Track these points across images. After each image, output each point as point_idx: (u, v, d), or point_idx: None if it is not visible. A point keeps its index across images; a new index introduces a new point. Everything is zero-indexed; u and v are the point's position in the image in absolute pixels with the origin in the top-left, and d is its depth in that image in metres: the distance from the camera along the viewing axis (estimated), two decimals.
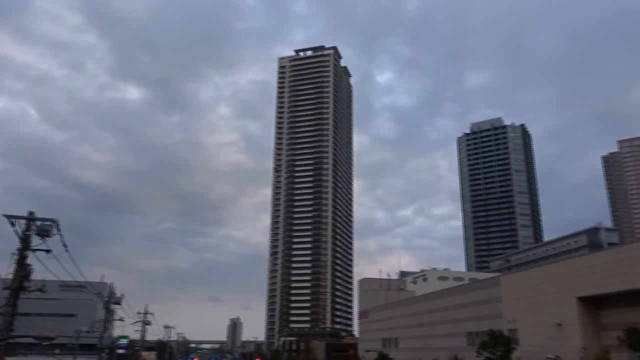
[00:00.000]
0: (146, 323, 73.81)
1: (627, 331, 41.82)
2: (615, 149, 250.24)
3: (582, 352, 49.01)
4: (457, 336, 77.12)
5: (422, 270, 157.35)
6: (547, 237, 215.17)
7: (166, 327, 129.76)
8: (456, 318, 78.96)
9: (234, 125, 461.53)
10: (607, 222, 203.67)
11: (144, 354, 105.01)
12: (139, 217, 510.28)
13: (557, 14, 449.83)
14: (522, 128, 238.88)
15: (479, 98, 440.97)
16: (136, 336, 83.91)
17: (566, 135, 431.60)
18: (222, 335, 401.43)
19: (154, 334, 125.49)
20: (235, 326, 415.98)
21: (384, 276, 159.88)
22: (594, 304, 54.20)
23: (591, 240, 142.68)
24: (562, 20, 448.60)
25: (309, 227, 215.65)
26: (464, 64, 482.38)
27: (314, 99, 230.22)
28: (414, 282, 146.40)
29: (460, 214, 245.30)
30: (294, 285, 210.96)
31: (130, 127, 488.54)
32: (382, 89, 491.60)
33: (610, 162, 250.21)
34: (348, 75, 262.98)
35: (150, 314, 75.07)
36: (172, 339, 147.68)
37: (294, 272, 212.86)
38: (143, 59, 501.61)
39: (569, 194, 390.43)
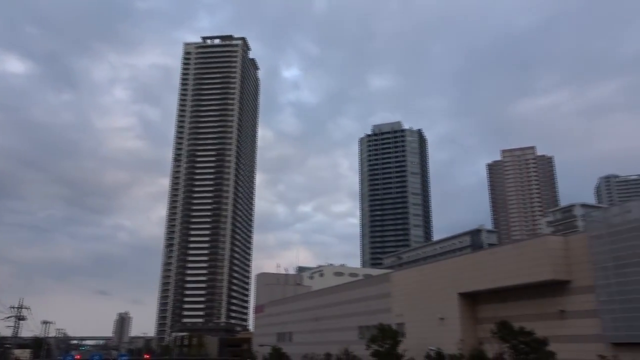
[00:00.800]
0: (20, 318, 67.81)
1: (498, 324, 45.66)
2: (498, 157, 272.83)
3: (460, 343, 52.80)
4: (349, 330, 79.57)
5: (320, 266, 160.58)
6: (436, 236, 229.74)
7: (44, 322, 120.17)
8: (349, 312, 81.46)
9: (131, 110, 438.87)
10: (488, 225, 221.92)
11: (17, 352, 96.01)
12: (17, 202, 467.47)
13: (455, 30, 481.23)
14: (419, 133, 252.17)
15: (380, 101, 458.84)
16: (8, 333, 76.67)
17: (457, 143, 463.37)
18: (108, 331, 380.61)
19: (29, 330, 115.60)
20: (123, 321, 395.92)
21: (282, 271, 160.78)
22: (472, 300, 58.61)
23: (474, 240, 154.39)
24: (459, 36, 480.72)
25: (208, 219, 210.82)
26: (368, 66, 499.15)
27: (220, 89, 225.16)
28: (311, 278, 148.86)
29: (358, 212, 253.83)
30: (189, 279, 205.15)
31: (11, 103, 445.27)
32: (288, 85, 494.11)
33: (493, 170, 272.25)
34: (256, 68, 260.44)
35: (26, 308, 69.12)
36: (50, 335, 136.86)
37: (190, 265, 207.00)
38: (30, 30, 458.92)
39: (457, 197, 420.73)
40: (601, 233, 45.01)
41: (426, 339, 57.60)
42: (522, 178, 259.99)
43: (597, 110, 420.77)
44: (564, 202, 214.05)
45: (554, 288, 48.11)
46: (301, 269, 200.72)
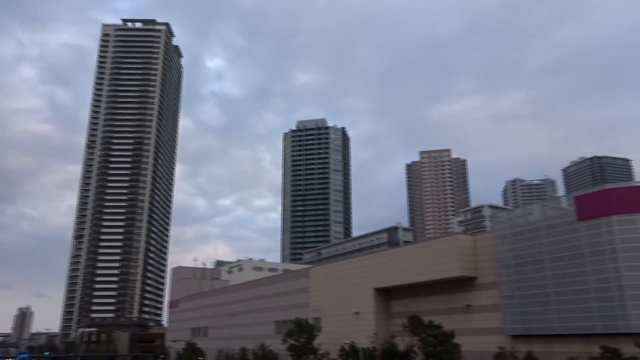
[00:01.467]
0: None
1: (409, 318, 47.59)
2: (417, 158, 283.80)
3: (373, 337, 54.43)
4: (266, 325, 79.47)
5: (239, 260, 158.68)
6: (355, 233, 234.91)
7: None
8: (267, 307, 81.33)
9: (39, 91, 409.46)
10: (405, 223, 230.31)
11: None
12: None
13: (380, 32, 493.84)
14: (343, 131, 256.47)
15: (305, 97, 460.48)
16: None
17: (378, 142, 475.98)
18: (6, 327, 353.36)
19: None
20: (24, 316, 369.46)
21: (200, 265, 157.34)
22: (387, 295, 60.62)
23: (391, 238, 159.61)
24: (384, 38, 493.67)
25: (123, 210, 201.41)
26: (294, 62, 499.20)
27: (140, 75, 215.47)
28: (230, 272, 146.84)
29: (279, 207, 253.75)
30: (99, 272, 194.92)
31: None
32: (212, 75, 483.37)
33: (412, 170, 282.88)
34: (179, 55, 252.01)
35: None
36: None
37: (101, 257, 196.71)
38: None
39: (377, 195, 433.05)
40: (505, 233, 48.21)
41: (342, 333, 58.81)
42: (437, 179, 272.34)
43: (506, 118, 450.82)
44: (474, 202, 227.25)
45: (462, 284, 50.88)
46: (220, 264, 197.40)
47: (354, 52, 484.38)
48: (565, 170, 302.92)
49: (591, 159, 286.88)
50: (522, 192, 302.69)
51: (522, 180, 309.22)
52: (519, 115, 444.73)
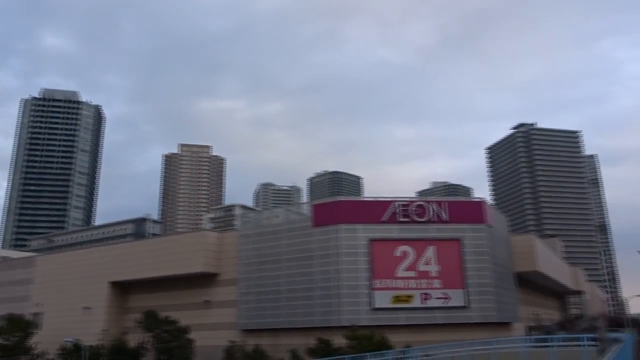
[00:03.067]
0: None
1: (145, 314, 45.94)
2: (176, 150, 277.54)
3: (103, 333, 50.85)
4: None
5: None
6: (99, 221, 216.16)
7: None
8: None
9: None
10: (156, 215, 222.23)
11: None
12: None
13: (150, 13, 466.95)
14: (97, 109, 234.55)
15: (54, 63, 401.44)
16: None
17: (135, 127, 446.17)
18: None
19: None
20: None
21: None
22: (124, 289, 57.44)
23: (137, 229, 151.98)
24: (153, 20, 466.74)
25: None
26: (44, 20, 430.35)
27: None
28: None
29: (5, 183, 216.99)
30: None
31: None
32: None
33: (169, 161, 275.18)
34: None
35: None
36: None
37: None
38: None
39: (128, 183, 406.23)
40: (250, 233, 50.88)
41: (66, 330, 53.20)
42: (194, 174, 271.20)
43: (266, 124, 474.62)
44: (228, 201, 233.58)
45: (204, 280, 51.59)
46: None
47: (119, 27, 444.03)
48: (310, 179, 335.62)
49: (332, 172, 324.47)
50: (273, 195, 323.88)
51: (273, 185, 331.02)
52: (277, 123, 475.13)
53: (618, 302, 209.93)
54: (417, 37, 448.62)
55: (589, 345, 25.51)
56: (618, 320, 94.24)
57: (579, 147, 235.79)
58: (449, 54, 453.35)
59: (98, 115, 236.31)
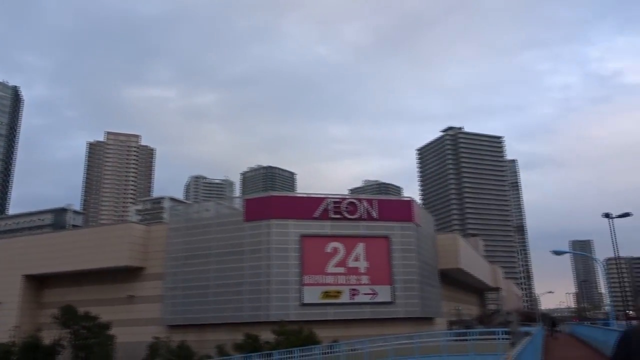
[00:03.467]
0: None
1: (62, 309, 43.45)
2: (102, 138, 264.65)
3: (15, 330, 47.66)
4: None
5: None
6: (13, 210, 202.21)
7: None
8: None
9: None
10: (78, 205, 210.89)
11: None
12: None
13: None
14: (15, 90, 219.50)
15: None
16: None
17: (57, 111, 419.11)
18: None
19: None
20: None
21: None
22: (40, 283, 54.13)
23: (57, 220, 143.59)
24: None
25: None
26: None
27: None
28: None
29: None
30: None
31: None
32: None
33: (94, 150, 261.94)
34: None
35: None
36: None
37: None
38: None
39: (47, 171, 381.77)
40: (179, 226, 49.50)
41: None
42: (121, 163, 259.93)
43: (199, 115, 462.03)
44: (157, 193, 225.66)
45: (129, 274, 49.63)
46: None
47: (40, 2, 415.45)
48: (243, 174, 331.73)
49: (265, 167, 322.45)
50: (204, 189, 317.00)
51: (205, 178, 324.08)
52: (211, 116, 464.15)
53: (532, 299, 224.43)
54: (354, 36, 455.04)
55: (503, 339, 27.28)
56: (530, 315, 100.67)
57: (502, 151, 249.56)
58: (384, 55, 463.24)
59: (16, 97, 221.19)
